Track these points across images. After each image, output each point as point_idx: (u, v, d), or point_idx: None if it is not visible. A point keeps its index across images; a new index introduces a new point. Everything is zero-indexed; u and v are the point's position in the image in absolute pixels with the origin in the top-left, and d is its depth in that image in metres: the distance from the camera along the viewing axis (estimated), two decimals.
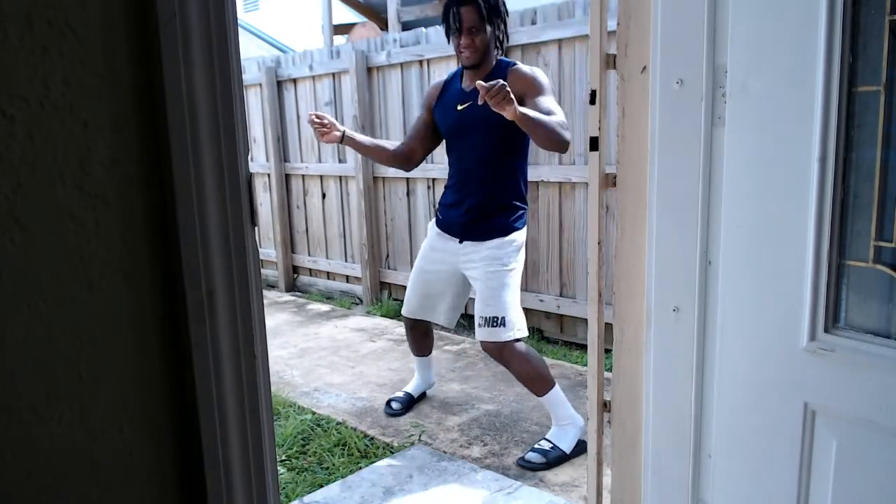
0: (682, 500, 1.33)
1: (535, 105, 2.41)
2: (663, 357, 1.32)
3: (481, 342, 2.65)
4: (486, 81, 2.25)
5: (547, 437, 2.65)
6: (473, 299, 2.77)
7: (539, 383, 2.64)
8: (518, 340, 2.62)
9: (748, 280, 1.18)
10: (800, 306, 1.12)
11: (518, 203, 2.66)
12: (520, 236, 2.66)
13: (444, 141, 2.79)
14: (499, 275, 2.61)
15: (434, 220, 2.85)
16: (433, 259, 2.81)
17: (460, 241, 2.70)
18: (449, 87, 2.74)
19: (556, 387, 2.65)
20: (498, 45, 2.62)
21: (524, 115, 2.24)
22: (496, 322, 2.58)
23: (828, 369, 1.11)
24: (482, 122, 2.53)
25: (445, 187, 2.80)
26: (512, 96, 2.16)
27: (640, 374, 1.39)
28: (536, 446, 2.62)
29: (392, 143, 2.92)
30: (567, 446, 2.60)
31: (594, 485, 1.59)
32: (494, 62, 2.62)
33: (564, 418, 2.65)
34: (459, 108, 2.61)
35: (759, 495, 1.23)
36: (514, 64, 2.62)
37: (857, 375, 1.09)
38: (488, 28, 2.54)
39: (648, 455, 1.38)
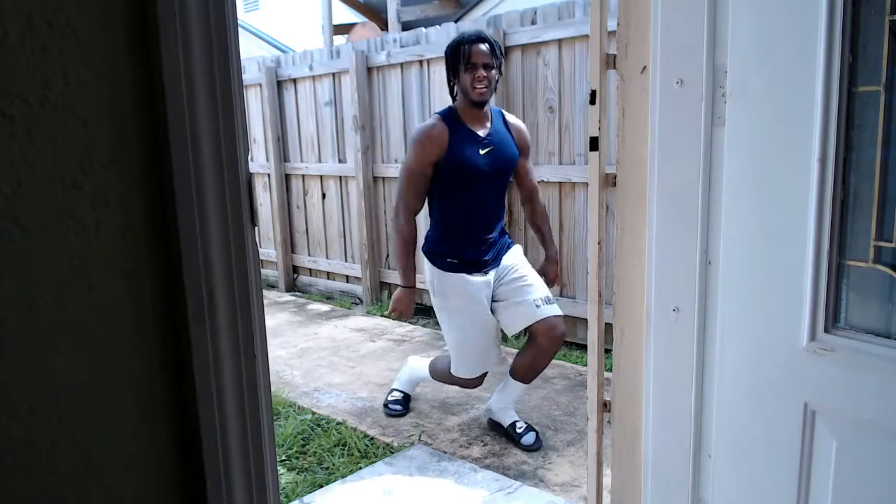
0: (682, 500, 1.33)
1: (527, 170, 2.89)
2: (663, 357, 1.32)
3: (552, 317, 2.69)
4: (488, 123, 2.71)
5: (516, 420, 2.83)
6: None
7: (537, 376, 2.83)
8: None
9: (748, 280, 1.18)
10: (800, 306, 1.12)
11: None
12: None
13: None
14: (528, 268, 2.82)
15: (440, 272, 2.73)
16: (479, 308, 2.72)
17: (485, 273, 2.76)
18: (457, 133, 2.65)
19: None
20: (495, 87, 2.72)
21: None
22: (549, 300, 2.74)
23: (828, 369, 1.11)
24: (502, 166, 2.72)
25: (454, 231, 2.71)
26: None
27: (640, 374, 1.39)
28: (520, 430, 2.77)
29: (409, 227, 2.74)
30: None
31: (594, 485, 1.59)
32: None
33: (512, 403, 2.89)
34: (482, 152, 2.67)
35: (759, 495, 1.23)
36: (502, 111, 2.83)
37: (857, 375, 1.09)
38: (496, 68, 2.66)
39: (648, 455, 1.38)
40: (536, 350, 2.72)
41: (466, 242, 2.70)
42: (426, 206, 2.80)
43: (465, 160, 2.63)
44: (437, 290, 2.75)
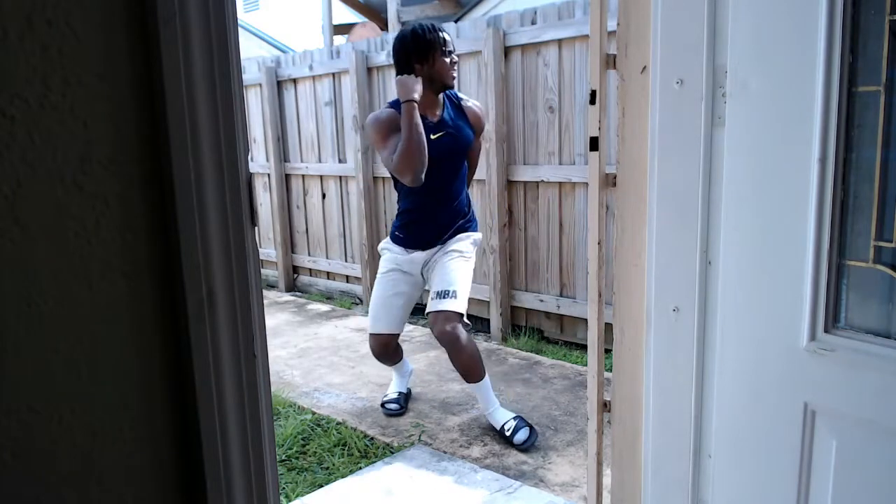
0: (682, 500, 1.33)
1: (475, 150, 2.99)
2: (663, 357, 1.32)
3: (432, 314, 2.78)
4: (439, 110, 2.77)
5: (504, 422, 2.80)
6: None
7: (476, 370, 2.81)
8: (462, 320, 2.81)
9: (748, 280, 1.18)
10: (800, 306, 1.12)
11: (471, 210, 3.00)
12: (477, 235, 2.99)
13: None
14: (457, 261, 2.87)
15: (389, 241, 2.96)
16: (402, 277, 2.92)
17: (424, 249, 2.90)
18: None
19: (487, 377, 2.87)
20: None
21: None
22: (447, 294, 2.78)
23: (828, 369, 1.11)
24: (452, 150, 2.79)
25: (406, 210, 2.89)
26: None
27: (640, 374, 1.39)
28: (509, 430, 2.76)
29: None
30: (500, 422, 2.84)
31: (594, 485, 1.59)
32: None
33: (493, 403, 2.87)
34: (433, 137, 2.74)
35: (759, 495, 1.23)
36: (458, 95, 2.89)
37: (857, 375, 1.09)
38: None
39: (648, 455, 1.38)
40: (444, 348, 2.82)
41: (416, 222, 2.87)
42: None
43: None
44: (379, 253, 3.02)
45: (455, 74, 2.74)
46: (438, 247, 2.89)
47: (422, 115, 2.72)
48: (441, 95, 2.79)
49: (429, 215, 2.86)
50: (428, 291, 2.93)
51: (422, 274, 2.96)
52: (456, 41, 4.12)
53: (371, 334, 2.99)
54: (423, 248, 2.90)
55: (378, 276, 2.99)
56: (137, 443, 0.75)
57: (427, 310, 2.84)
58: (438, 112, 2.79)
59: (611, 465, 1.53)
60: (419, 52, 2.69)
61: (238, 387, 0.81)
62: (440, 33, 2.70)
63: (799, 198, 1.10)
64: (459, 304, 2.79)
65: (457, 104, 2.86)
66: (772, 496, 1.21)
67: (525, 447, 2.70)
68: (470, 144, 2.88)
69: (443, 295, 2.78)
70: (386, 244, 2.99)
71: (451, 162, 2.81)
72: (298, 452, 2.75)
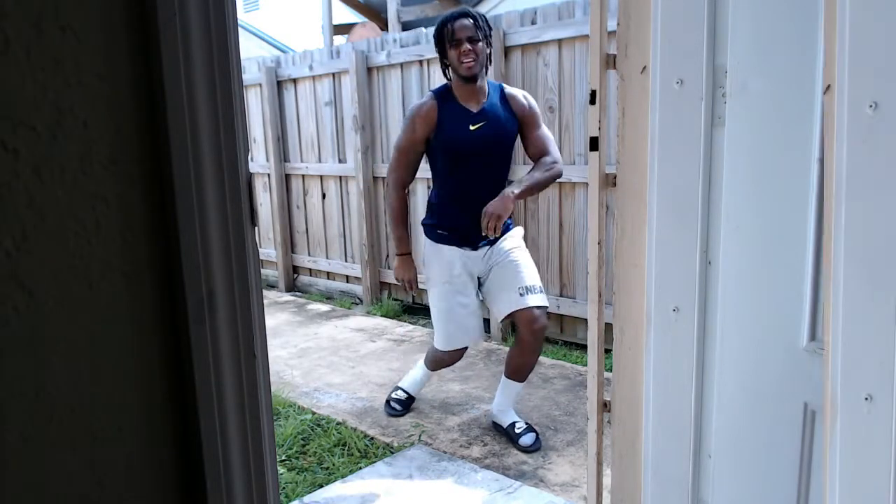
0: (682, 500, 1.33)
1: (537, 138, 2.75)
2: (663, 357, 1.32)
3: (533, 308, 2.67)
4: (483, 99, 2.69)
5: (515, 421, 2.83)
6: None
7: (529, 371, 2.82)
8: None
9: (748, 280, 1.18)
10: (800, 306, 1.12)
11: None
12: (519, 228, 2.94)
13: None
14: (526, 254, 2.81)
15: (434, 243, 2.78)
16: (462, 279, 2.76)
17: (475, 248, 2.76)
18: (448, 110, 2.68)
19: None
20: (488, 62, 2.72)
21: (523, 193, 2.65)
22: (534, 289, 2.71)
23: None
24: (495, 142, 2.69)
25: (445, 204, 2.76)
26: (503, 212, 2.56)
27: (640, 374, 1.39)
28: (519, 431, 2.77)
29: (398, 199, 2.82)
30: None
31: (594, 485, 1.59)
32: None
33: (510, 404, 2.88)
34: (472, 128, 2.67)
35: (759, 495, 1.23)
36: (502, 86, 2.80)
37: None
38: (482, 41, 2.65)
39: (648, 455, 1.38)
40: (521, 344, 2.74)
41: (460, 216, 2.71)
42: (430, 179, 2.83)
43: (453, 137, 2.66)
44: (425, 261, 2.82)
45: (468, 63, 2.59)
46: (487, 244, 2.74)
47: (462, 106, 2.68)
48: (484, 85, 2.70)
49: (476, 209, 2.65)
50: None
51: (478, 272, 2.79)
52: None
53: (445, 351, 2.84)
54: (475, 246, 2.73)
55: (434, 282, 2.78)
56: (137, 443, 0.75)
57: (511, 308, 2.69)
58: (482, 101, 2.70)
59: (611, 465, 1.53)
60: (438, 49, 2.68)
61: (238, 387, 0.81)
62: (450, 24, 2.62)
63: (799, 198, 1.10)
64: (545, 299, 2.74)
65: (501, 93, 2.75)
66: (772, 496, 1.21)
67: (528, 450, 2.71)
68: (511, 135, 2.73)
69: (531, 290, 2.68)
70: (430, 246, 2.78)
71: (493, 153, 2.70)
72: (298, 452, 2.75)
